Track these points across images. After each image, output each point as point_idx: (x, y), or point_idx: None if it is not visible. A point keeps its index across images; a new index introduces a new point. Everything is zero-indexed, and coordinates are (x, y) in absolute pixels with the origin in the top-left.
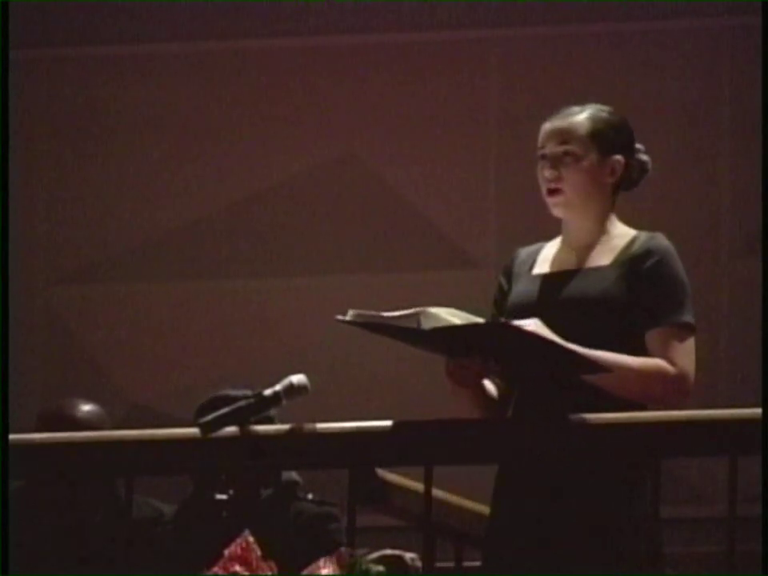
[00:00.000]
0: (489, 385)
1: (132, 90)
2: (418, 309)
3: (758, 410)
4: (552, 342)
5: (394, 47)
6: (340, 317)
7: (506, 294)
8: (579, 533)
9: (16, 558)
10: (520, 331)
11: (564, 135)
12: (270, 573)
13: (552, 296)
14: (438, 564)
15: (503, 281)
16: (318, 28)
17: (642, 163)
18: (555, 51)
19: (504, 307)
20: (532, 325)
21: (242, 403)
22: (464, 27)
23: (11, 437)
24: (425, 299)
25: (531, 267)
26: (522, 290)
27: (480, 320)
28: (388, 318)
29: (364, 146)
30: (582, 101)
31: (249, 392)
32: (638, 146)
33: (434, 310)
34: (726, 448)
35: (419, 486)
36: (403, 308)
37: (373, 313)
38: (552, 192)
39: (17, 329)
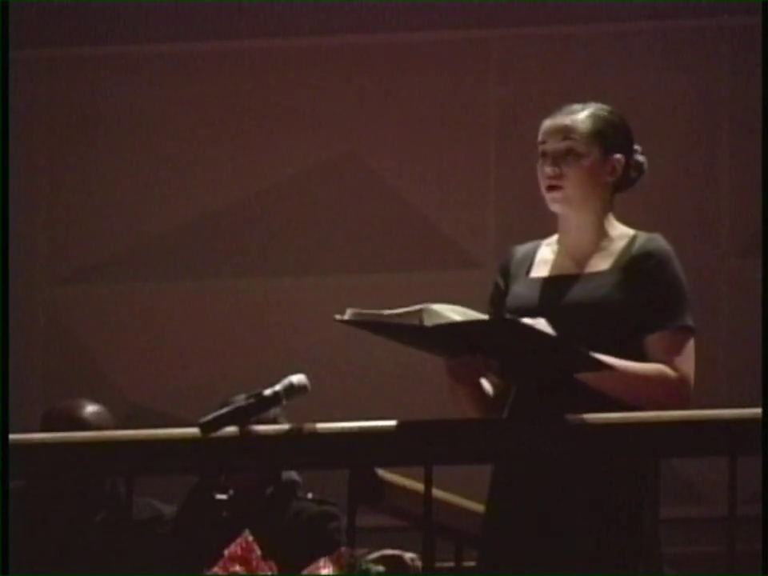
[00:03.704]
0: (485, 384)
1: (132, 90)
2: (419, 306)
3: (758, 410)
4: (558, 339)
5: (395, 47)
6: (338, 316)
7: (503, 292)
8: (576, 532)
9: (16, 558)
10: (529, 327)
11: (566, 132)
12: (269, 573)
13: (552, 301)
14: (438, 564)
15: (500, 279)
16: (318, 28)
17: (640, 164)
18: (555, 51)
19: (502, 307)
20: (539, 324)
21: (241, 403)
22: (464, 27)
23: (11, 437)
24: (425, 299)
25: (529, 269)
26: (521, 293)
27: (484, 316)
28: (389, 315)
29: (364, 146)
30: (581, 100)
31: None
32: (636, 146)
33: (435, 306)
34: (725, 448)
35: (419, 486)
36: (403, 308)
37: (373, 312)
38: (551, 188)
39: (17, 329)
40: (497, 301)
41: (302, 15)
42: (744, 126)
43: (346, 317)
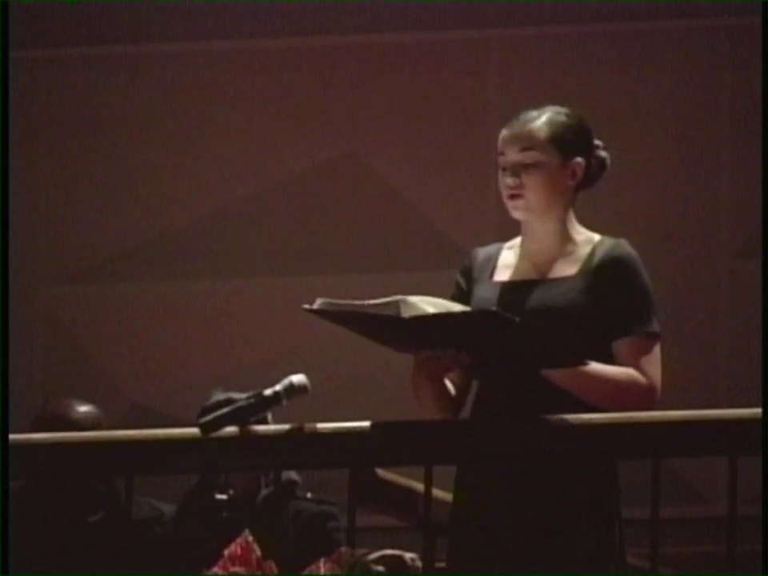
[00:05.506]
0: (447, 383)
1: (131, 90)
2: (395, 297)
3: (758, 410)
4: (539, 334)
5: (394, 47)
6: (307, 306)
7: (465, 294)
8: (555, 530)
9: (16, 558)
10: (512, 319)
11: (523, 142)
12: (269, 573)
13: (518, 305)
14: (438, 564)
15: (462, 281)
16: (319, 28)
17: (602, 160)
18: (555, 51)
19: None
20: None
21: (242, 403)
22: (464, 27)
23: (11, 437)
24: None
25: (492, 273)
26: (485, 297)
27: (463, 308)
28: (363, 306)
29: (364, 146)
30: (581, 100)
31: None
32: (597, 142)
33: (412, 298)
34: (725, 448)
35: (419, 486)
36: (377, 299)
37: (346, 302)
38: (512, 197)
39: (17, 329)
40: (459, 302)
41: (303, 15)
42: (744, 126)
43: (315, 306)
